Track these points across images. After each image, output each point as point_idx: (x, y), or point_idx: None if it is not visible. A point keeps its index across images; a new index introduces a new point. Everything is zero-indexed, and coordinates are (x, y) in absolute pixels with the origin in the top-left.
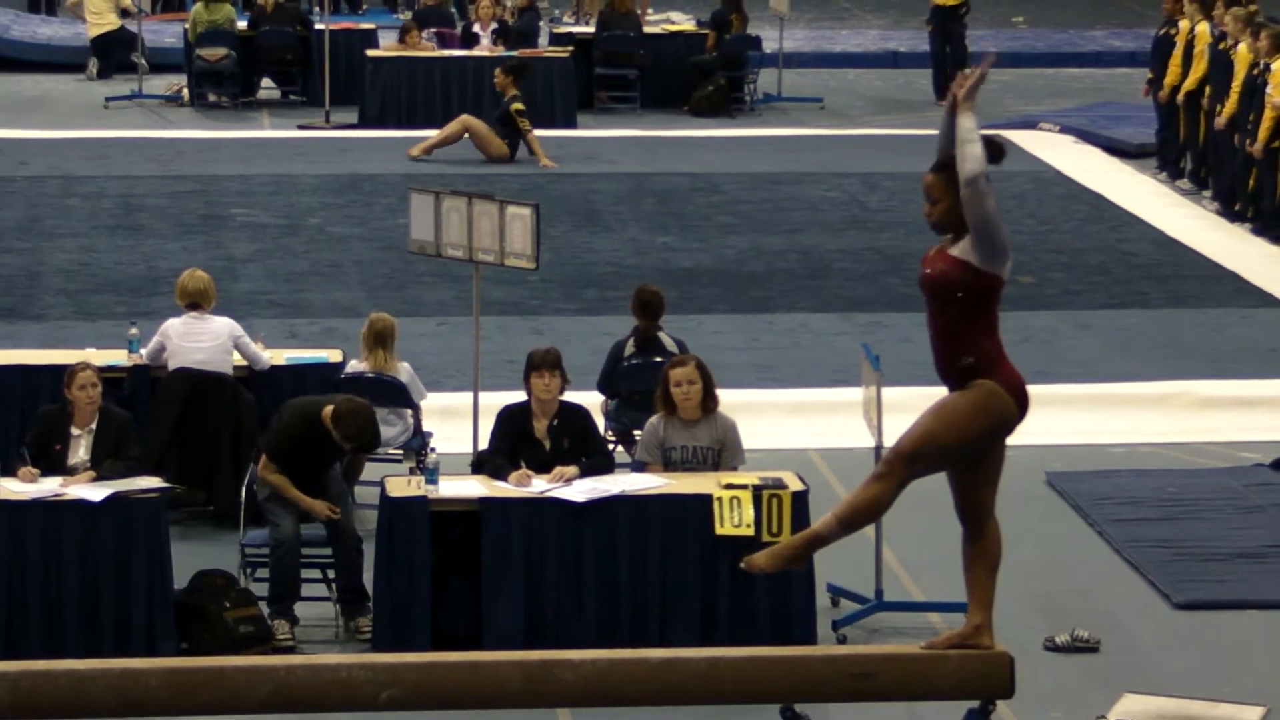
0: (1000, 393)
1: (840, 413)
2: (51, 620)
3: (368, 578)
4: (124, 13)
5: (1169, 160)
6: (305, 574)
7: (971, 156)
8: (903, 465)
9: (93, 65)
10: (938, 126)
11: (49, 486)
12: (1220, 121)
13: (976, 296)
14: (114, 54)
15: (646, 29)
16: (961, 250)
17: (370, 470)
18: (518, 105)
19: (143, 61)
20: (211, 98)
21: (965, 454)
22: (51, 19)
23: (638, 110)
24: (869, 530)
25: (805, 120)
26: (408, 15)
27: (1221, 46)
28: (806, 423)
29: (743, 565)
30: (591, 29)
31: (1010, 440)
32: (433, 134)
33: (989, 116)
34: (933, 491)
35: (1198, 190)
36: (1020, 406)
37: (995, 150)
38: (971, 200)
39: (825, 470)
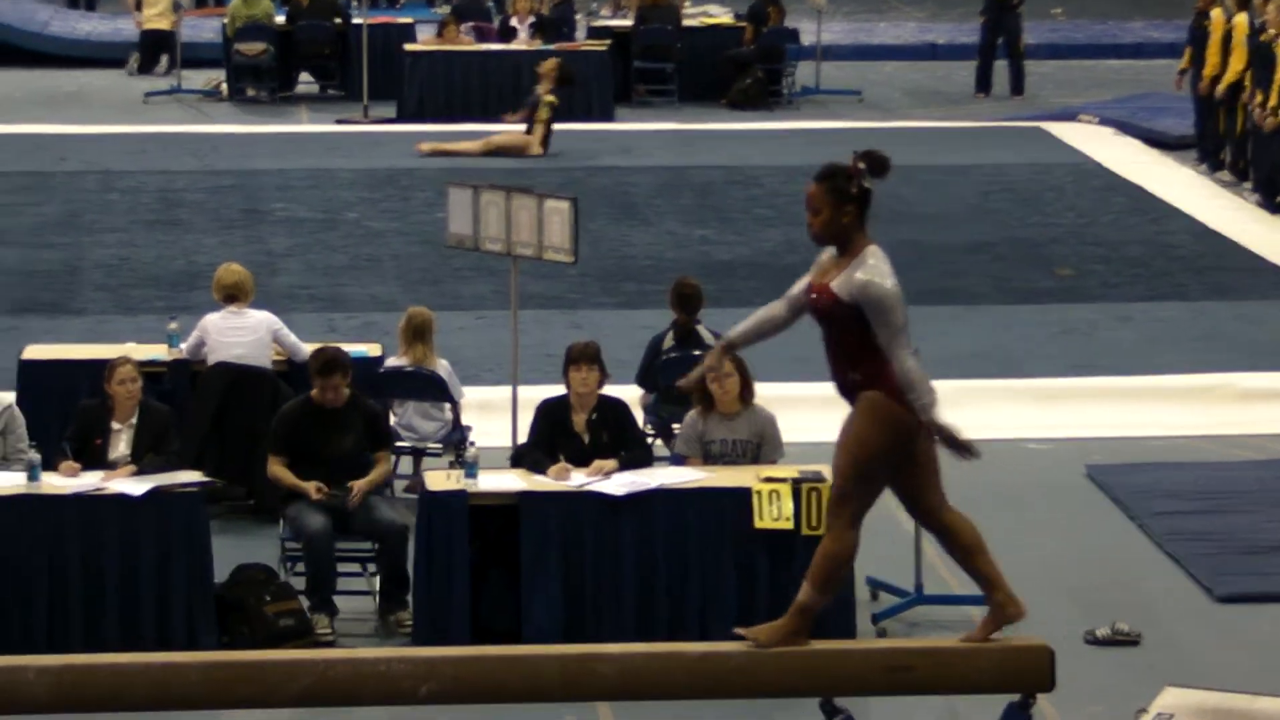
0: (885, 400)
1: None
2: (92, 614)
3: (408, 572)
4: (176, 5)
5: (1209, 152)
6: (345, 568)
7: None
8: (840, 508)
9: (134, 60)
10: (976, 119)
11: (90, 481)
12: (1268, 122)
13: (856, 321)
14: (161, 50)
15: (684, 22)
16: (841, 285)
17: (408, 465)
18: (551, 99)
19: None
20: (250, 92)
21: (885, 466)
22: (90, 14)
23: (675, 103)
24: (908, 523)
25: (843, 113)
26: (446, 9)
27: (1262, 38)
28: (844, 416)
29: (741, 634)
30: (629, 22)
31: (1050, 433)
32: (453, 143)
33: (1029, 109)
34: (971, 485)
35: (1238, 182)
36: (909, 408)
37: (879, 162)
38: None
39: None
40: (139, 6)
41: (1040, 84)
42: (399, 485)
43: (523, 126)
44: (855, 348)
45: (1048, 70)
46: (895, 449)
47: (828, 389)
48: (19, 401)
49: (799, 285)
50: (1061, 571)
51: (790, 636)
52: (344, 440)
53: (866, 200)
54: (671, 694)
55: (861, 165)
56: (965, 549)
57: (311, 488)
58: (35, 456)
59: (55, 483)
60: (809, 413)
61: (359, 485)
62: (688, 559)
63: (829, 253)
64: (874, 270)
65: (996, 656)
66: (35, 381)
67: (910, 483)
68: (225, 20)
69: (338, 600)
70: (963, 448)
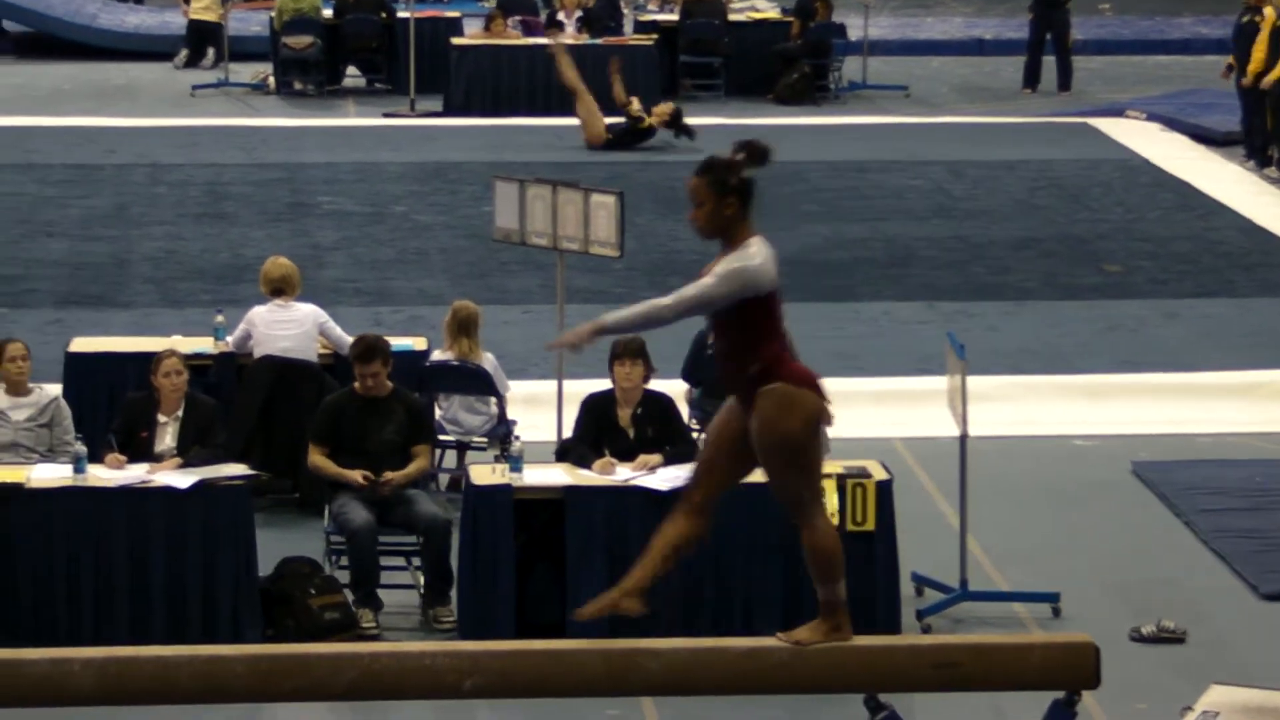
0: (790, 390)
1: (924, 402)
2: (138, 606)
3: (453, 565)
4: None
5: (1256, 148)
6: (390, 561)
7: (661, 314)
8: (799, 509)
9: (181, 53)
10: (1023, 114)
11: (136, 473)
12: None
13: (747, 316)
14: (208, 43)
15: (731, 16)
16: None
17: (454, 459)
18: (649, 123)
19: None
20: (297, 85)
21: (815, 451)
22: (138, 7)
23: (722, 98)
24: (953, 519)
25: (890, 108)
26: (492, 2)
27: None
28: (890, 412)
29: (782, 638)
30: (675, 16)
31: (1096, 429)
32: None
33: (1076, 104)
34: (1019, 480)
35: None
36: (814, 389)
37: (759, 152)
38: (696, 313)
39: (910, 459)
40: (187, 0)
41: (1088, 80)
42: (443, 479)
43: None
44: (746, 339)
45: (1096, 66)
46: (814, 428)
47: (872, 384)
48: (65, 393)
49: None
50: (1107, 568)
51: (831, 634)
52: (385, 431)
53: (748, 191)
54: (716, 689)
55: (741, 156)
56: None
57: (357, 475)
58: (81, 449)
59: (101, 475)
60: (853, 408)
61: (394, 476)
62: (732, 554)
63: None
64: (740, 255)
65: (1042, 653)
66: (82, 374)
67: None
68: (273, 14)
69: (382, 594)
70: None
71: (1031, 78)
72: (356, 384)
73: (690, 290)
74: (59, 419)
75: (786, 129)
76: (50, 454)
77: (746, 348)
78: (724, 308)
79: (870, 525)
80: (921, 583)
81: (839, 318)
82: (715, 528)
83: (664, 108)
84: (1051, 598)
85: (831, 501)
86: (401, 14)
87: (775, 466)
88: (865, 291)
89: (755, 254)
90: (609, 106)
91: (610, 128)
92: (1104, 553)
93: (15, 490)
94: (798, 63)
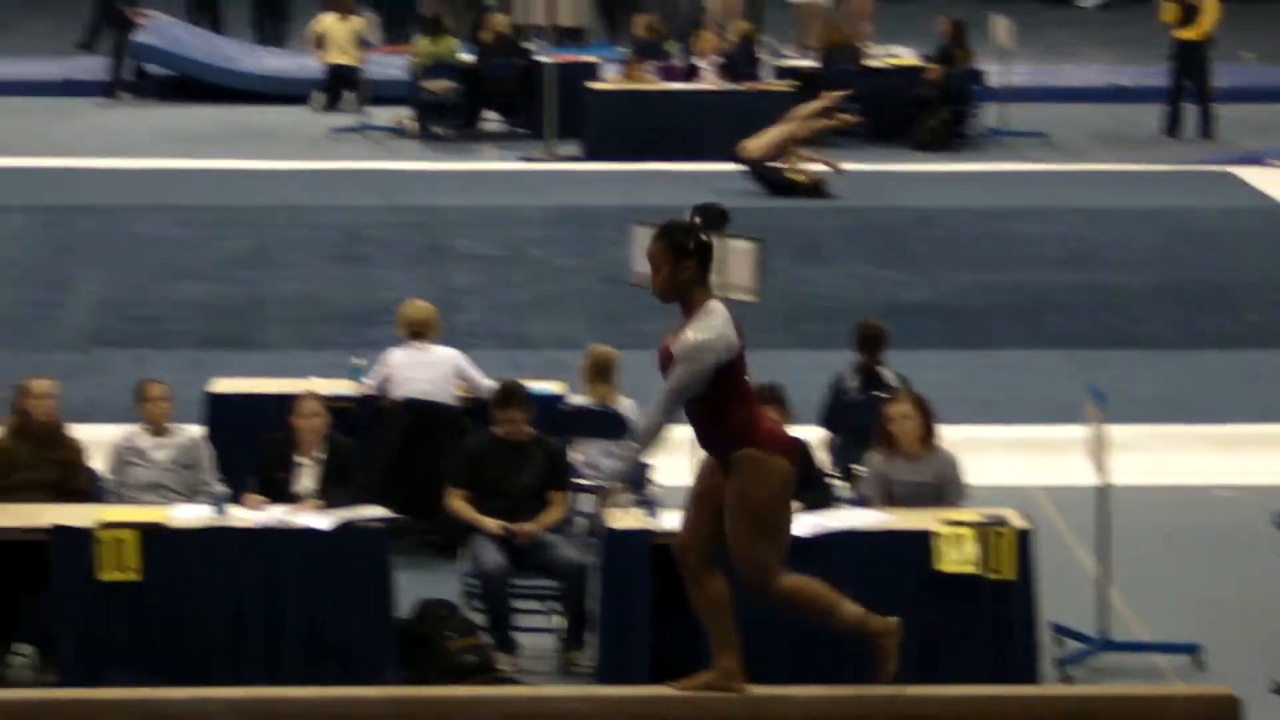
0: (760, 455)
1: (1063, 450)
2: (275, 647)
3: (591, 609)
4: (364, 43)
5: None
6: (528, 605)
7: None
8: (763, 589)
9: (319, 97)
10: (1163, 162)
11: (275, 514)
12: None
13: (712, 382)
14: (345, 87)
15: (870, 63)
16: (678, 346)
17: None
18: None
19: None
20: (436, 129)
21: (783, 516)
22: (279, 51)
23: (860, 144)
24: (1092, 568)
25: (1029, 154)
26: (629, 49)
27: None
28: (1029, 460)
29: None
30: (813, 63)
31: (1236, 479)
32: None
33: (1217, 152)
34: (1157, 530)
35: None
36: (789, 457)
37: (715, 216)
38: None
39: (1048, 508)
40: (320, 44)
41: (1229, 127)
42: (580, 523)
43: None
44: (714, 404)
45: (1237, 114)
46: (782, 496)
47: (1011, 432)
48: (207, 434)
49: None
50: (1248, 620)
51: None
52: (524, 476)
53: (706, 254)
54: None
55: (697, 220)
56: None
57: (494, 525)
58: (222, 489)
59: (241, 516)
60: (992, 456)
61: (528, 528)
62: (870, 601)
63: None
64: (700, 326)
65: (1184, 705)
66: (222, 415)
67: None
68: (412, 58)
69: (519, 637)
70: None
71: (1172, 125)
72: (496, 428)
73: (669, 388)
74: (200, 460)
75: (924, 175)
76: (191, 494)
77: (716, 411)
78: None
79: (1009, 574)
80: (1061, 633)
81: (976, 364)
82: (851, 574)
83: (814, 170)
84: (1192, 649)
85: (969, 549)
86: (540, 58)
87: (742, 532)
88: (1002, 339)
89: (715, 324)
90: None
91: (766, 163)
92: (1245, 604)
93: (156, 530)
94: (936, 109)
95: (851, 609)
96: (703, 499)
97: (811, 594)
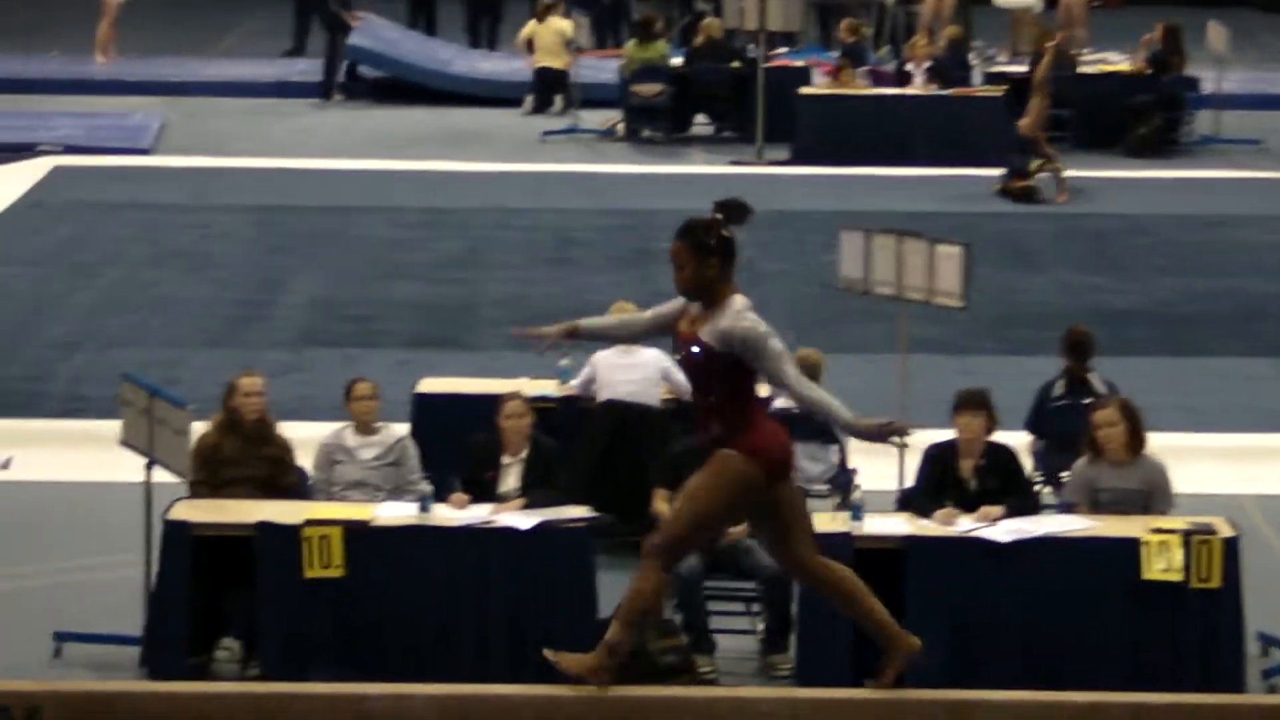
0: (735, 458)
1: (1274, 459)
2: (479, 645)
3: (792, 612)
4: (573, 46)
5: None
6: (728, 607)
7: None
8: (660, 554)
9: (529, 100)
10: None
11: (479, 513)
12: None
13: (732, 377)
14: (554, 90)
15: (1082, 68)
16: (711, 335)
17: None
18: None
19: (562, 97)
20: (645, 133)
21: (721, 523)
22: (491, 54)
23: (1071, 150)
24: None
25: (1243, 162)
26: (839, 53)
27: None
28: (1239, 468)
29: (549, 656)
30: (1025, 68)
31: None
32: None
33: None
34: None
35: None
36: (766, 466)
37: (737, 211)
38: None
39: (1258, 517)
40: (529, 48)
41: None
42: None
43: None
44: (723, 400)
45: None
46: (739, 506)
47: (1220, 440)
48: (413, 433)
49: (670, 307)
50: None
51: (596, 672)
52: None
53: (729, 250)
54: None
55: (719, 216)
56: (844, 596)
57: None
58: (427, 488)
59: (445, 514)
60: (1201, 464)
61: (733, 532)
62: (1073, 608)
63: (697, 304)
64: (738, 316)
65: None
66: (429, 414)
67: (775, 534)
68: (622, 62)
69: (720, 639)
70: (891, 433)
71: None
72: None
73: (788, 373)
74: (406, 458)
75: (1137, 182)
76: (396, 493)
77: (720, 405)
78: (716, 366)
79: (1215, 582)
80: (1268, 642)
81: (1187, 372)
82: (1055, 581)
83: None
84: None
85: (1176, 557)
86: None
87: (683, 514)
88: (1215, 346)
89: (751, 316)
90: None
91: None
92: None
93: (362, 528)
94: (1150, 115)
95: (628, 643)
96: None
97: (645, 605)
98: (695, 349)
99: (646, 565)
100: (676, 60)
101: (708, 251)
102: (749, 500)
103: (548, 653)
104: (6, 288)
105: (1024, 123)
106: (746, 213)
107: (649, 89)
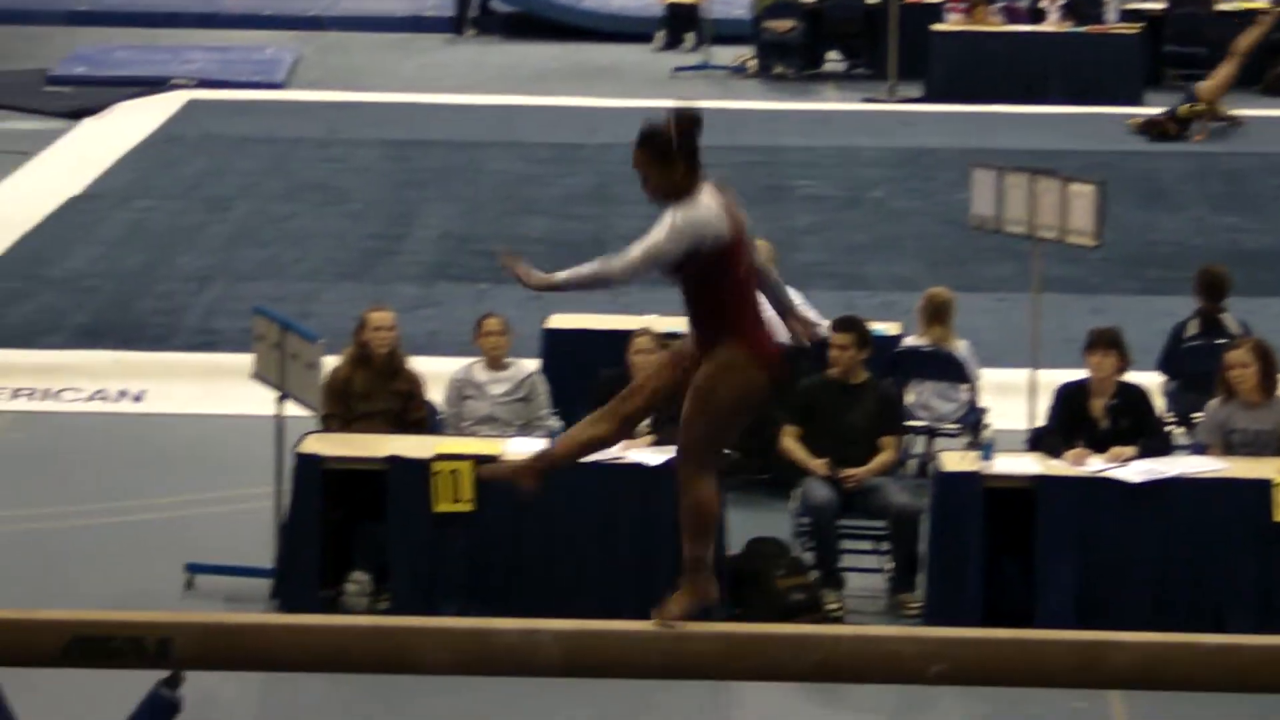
0: (742, 360)
1: None
2: (607, 581)
3: (921, 551)
4: None
5: None
6: (857, 545)
7: (592, 281)
8: (689, 460)
9: (660, 35)
10: None
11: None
12: None
13: (697, 272)
14: (686, 27)
15: (1220, 6)
16: None
17: (923, 444)
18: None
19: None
20: (777, 69)
21: (737, 421)
22: None
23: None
24: None
25: None
26: None
27: None
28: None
29: (656, 617)
30: (1161, 5)
31: None
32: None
33: None
34: None
35: None
36: (768, 369)
37: (689, 118)
38: (630, 281)
39: None
40: None
41: None
42: (912, 465)
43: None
44: (700, 297)
45: None
46: (746, 404)
47: None
48: (543, 368)
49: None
50: None
51: (697, 594)
52: (857, 417)
53: (692, 151)
54: (1187, 685)
55: (671, 122)
56: (707, 519)
57: (820, 465)
58: (556, 424)
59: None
60: None
61: (857, 472)
62: (1205, 549)
63: None
64: (688, 205)
65: None
66: (558, 350)
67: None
68: None
69: (849, 578)
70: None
71: None
72: (831, 368)
73: (637, 249)
74: (535, 394)
75: (1275, 120)
76: (526, 428)
77: (704, 303)
78: (683, 265)
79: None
80: None
81: None
82: (1186, 522)
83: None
84: None
85: None
86: None
87: (694, 417)
88: None
89: (703, 202)
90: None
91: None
92: None
93: (491, 462)
94: None
95: (712, 554)
96: (666, 369)
97: (709, 514)
98: None
99: (688, 481)
100: None
101: (670, 156)
102: (750, 402)
103: (656, 618)
104: (141, 222)
105: (1205, 86)
106: (698, 119)
107: (781, 24)
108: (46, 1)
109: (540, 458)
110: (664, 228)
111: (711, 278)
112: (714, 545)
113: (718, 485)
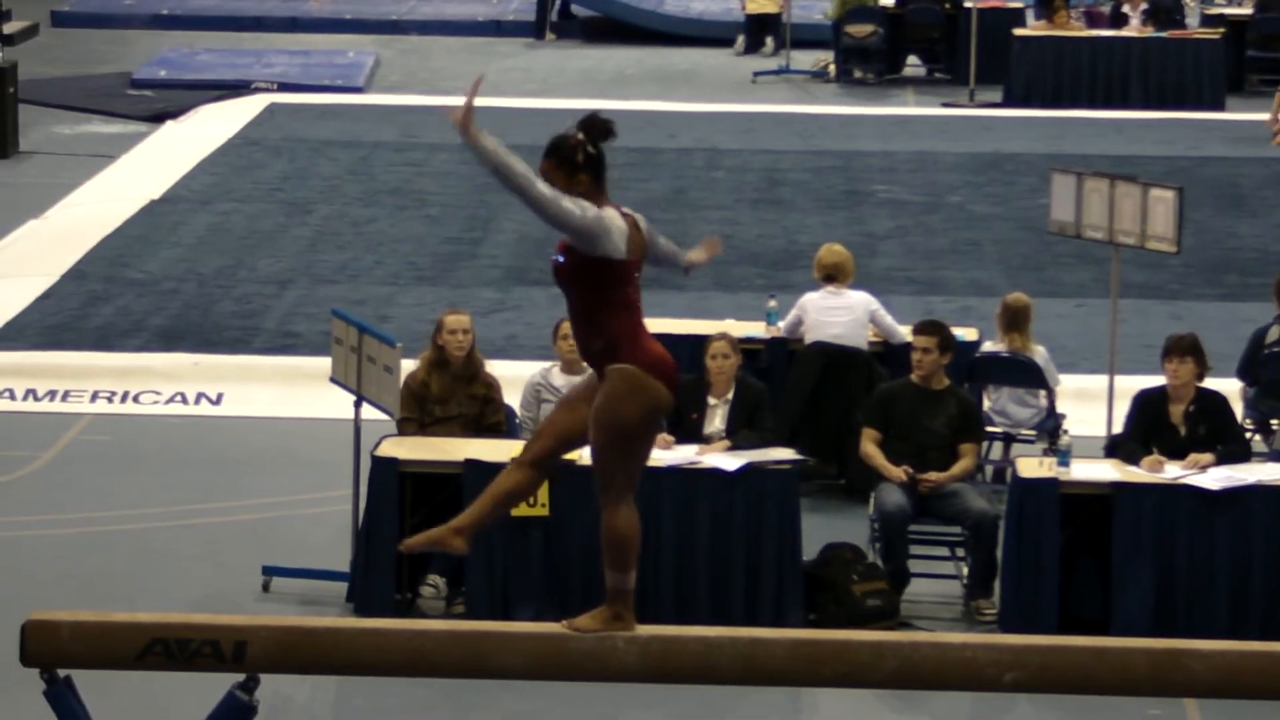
0: (635, 373)
1: None
2: (683, 586)
3: (997, 558)
4: None
5: None
6: (932, 551)
7: (509, 171)
8: (606, 488)
9: (740, 40)
10: None
11: (685, 454)
12: None
13: (592, 280)
14: (766, 31)
15: None
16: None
17: (1000, 450)
18: None
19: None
20: (857, 74)
21: (643, 438)
22: None
23: None
24: None
25: None
26: None
27: None
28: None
29: (565, 624)
30: (1245, 10)
31: None
32: None
33: None
34: None
35: None
36: (664, 378)
37: (600, 127)
38: (531, 204)
39: None
40: None
41: None
42: (989, 470)
43: None
44: (595, 309)
45: None
46: (650, 420)
47: None
48: None
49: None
50: None
51: (612, 622)
52: (936, 423)
53: (597, 165)
54: (1264, 694)
55: (581, 134)
56: (630, 541)
57: (898, 472)
58: None
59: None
60: None
61: (937, 477)
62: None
63: None
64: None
65: None
66: None
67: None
68: (834, 2)
69: (924, 584)
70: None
71: None
72: (913, 373)
73: (551, 190)
74: None
75: None
76: None
77: (594, 317)
78: (568, 277)
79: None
80: None
81: None
82: (1265, 530)
83: None
84: None
85: None
86: (965, 4)
87: (601, 445)
88: None
89: (608, 214)
90: None
91: None
92: None
93: (568, 466)
94: None
95: (631, 580)
96: (569, 406)
97: (629, 543)
98: (559, 256)
99: (606, 509)
100: (888, 1)
101: (575, 168)
102: (657, 414)
103: (564, 623)
104: (221, 225)
105: None
106: (609, 129)
107: (861, 29)
108: (131, 5)
109: (463, 520)
110: (576, 201)
111: (601, 291)
112: (634, 574)
113: (636, 512)
